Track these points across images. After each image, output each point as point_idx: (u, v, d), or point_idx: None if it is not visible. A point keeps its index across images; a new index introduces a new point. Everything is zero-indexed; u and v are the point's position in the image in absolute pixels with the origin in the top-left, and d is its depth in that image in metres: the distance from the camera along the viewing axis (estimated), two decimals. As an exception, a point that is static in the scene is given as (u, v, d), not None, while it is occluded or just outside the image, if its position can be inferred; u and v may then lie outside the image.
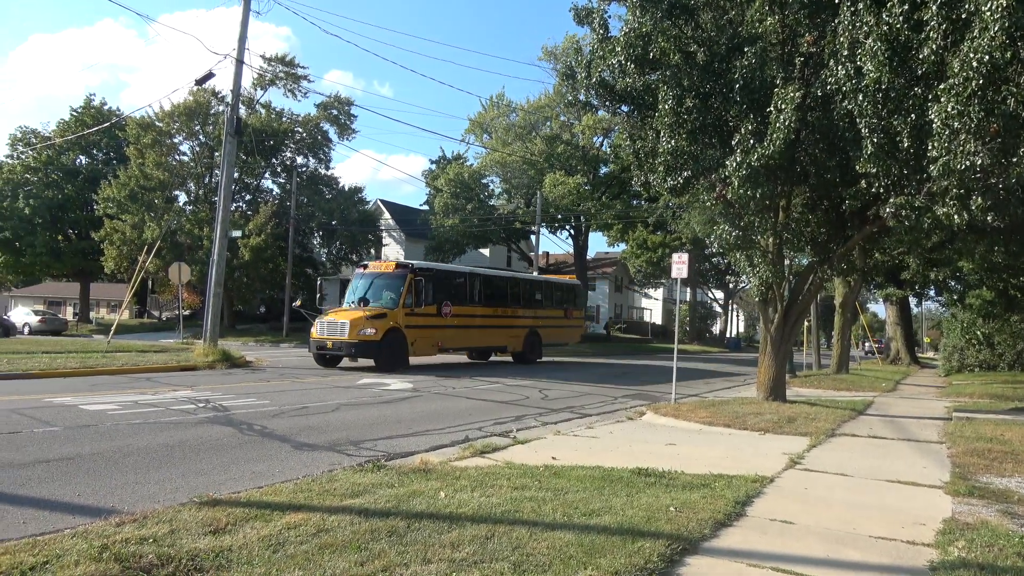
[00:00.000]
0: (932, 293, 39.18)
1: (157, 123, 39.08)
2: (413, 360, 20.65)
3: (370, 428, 9.14)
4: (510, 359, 24.27)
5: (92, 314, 54.70)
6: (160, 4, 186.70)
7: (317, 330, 18.45)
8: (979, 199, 8.80)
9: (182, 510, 4.68)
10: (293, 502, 4.98)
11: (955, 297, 33.85)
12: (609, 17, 11.95)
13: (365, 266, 20.84)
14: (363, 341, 17.56)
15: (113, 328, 25.40)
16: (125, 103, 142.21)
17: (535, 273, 35.99)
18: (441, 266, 24.20)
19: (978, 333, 26.22)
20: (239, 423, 8.95)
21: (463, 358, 24.10)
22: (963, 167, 8.36)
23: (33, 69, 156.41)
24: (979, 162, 8.29)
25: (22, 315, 39.76)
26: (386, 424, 9.52)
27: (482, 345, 22.67)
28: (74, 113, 46.23)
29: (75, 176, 45.89)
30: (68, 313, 57.51)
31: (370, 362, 18.59)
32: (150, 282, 46.69)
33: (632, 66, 11.21)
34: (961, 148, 8.31)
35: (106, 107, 47.50)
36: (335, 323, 17.99)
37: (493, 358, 24.54)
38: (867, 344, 45.81)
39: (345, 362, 19.38)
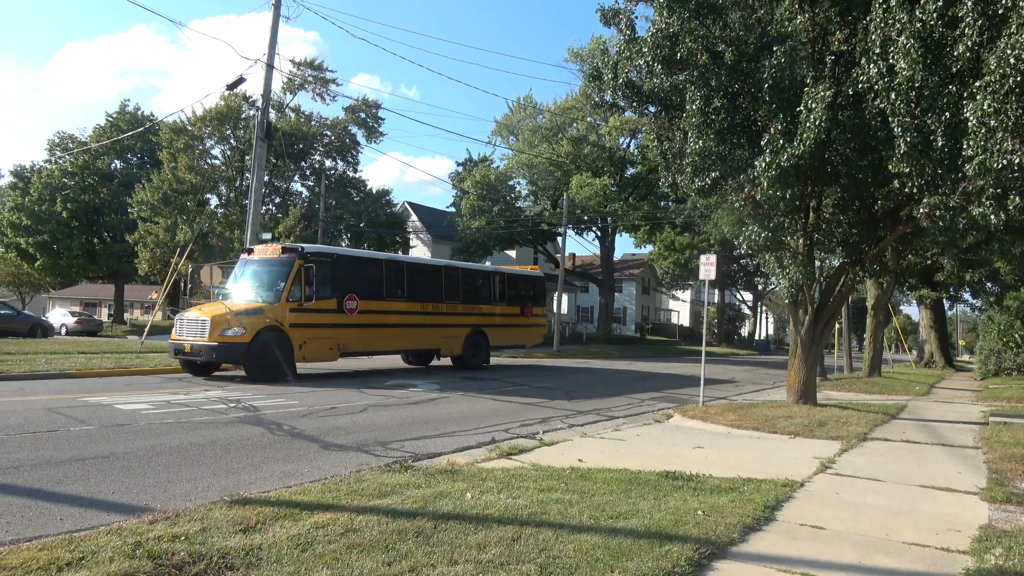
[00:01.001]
0: (967, 295, 38.31)
1: (189, 127, 39.83)
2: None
3: (398, 429, 9.20)
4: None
5: (126, 315, 55.79)
6: (191, 10, 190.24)
7: (176, 330, 15.06)
8: (1017, 199, 8.60)
9: (213, 508, 4.75)
10: (321, 502, 5.04)
11: (992, 299, 33.09)
12: (636, 18, 11.89)
13: (250, 251, 16.65)
14: (227, 343, 14.06)
15: (147, 329, 25.78)
16: (158, 108, 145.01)
17: (561, 272, 35.92)
18: (345, 251, 19.68)
19: (1016, 336, 25.55)
20: (269, 423, 9.07)
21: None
22: (1000, 166, 8.16)
23: (70, 75, 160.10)
24: (1017, 161, 8.08)
25: (59, 316, 40.68)
26: (413, 425, 9.58)
27: (404, 348, 19.00)
28: (109, 118, 47.12)
29: (110, 180, 46.78)
30: (103, 314, 58.75)
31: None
32: (182, 284, 47.46)
33: (659, 67, 11.13)
34: (998, 147, 8.12)
35: (139, 112, 48.34)
36: (195, 321, 14.48)
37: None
38: (914, 351, 44.59)
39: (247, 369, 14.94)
